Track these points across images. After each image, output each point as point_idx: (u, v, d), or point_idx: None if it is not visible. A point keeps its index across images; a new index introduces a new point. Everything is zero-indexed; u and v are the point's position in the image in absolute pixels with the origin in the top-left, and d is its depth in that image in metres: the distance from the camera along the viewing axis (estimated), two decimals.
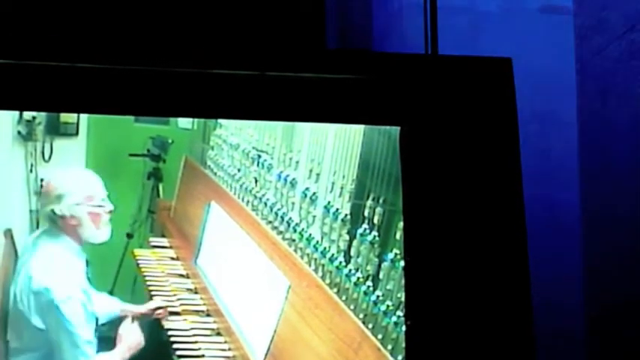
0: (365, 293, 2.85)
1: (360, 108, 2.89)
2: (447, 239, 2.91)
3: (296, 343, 2.91)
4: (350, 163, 2.97)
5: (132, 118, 3.14)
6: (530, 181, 3.02)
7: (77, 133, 3.29)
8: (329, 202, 3.02)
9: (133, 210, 3.50)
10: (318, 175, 3.09)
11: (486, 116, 2.95)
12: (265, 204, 3.27)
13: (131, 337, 2.89)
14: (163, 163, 3.57)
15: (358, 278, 2.87)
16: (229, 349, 3.10)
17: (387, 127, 2.95)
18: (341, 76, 2.84)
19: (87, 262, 2.90)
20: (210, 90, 2.73)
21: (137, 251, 3.47)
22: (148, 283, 3.35)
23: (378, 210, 2.85)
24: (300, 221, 3.11)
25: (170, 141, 3.52)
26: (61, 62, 2.58)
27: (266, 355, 2.95)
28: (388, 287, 2.83)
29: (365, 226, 2.89)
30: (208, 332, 3.15)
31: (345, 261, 2.93)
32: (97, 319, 2.83)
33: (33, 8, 2.76)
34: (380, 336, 2.79)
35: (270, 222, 3.22)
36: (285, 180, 3.20)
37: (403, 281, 2.87)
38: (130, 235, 3.44)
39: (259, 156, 3.32)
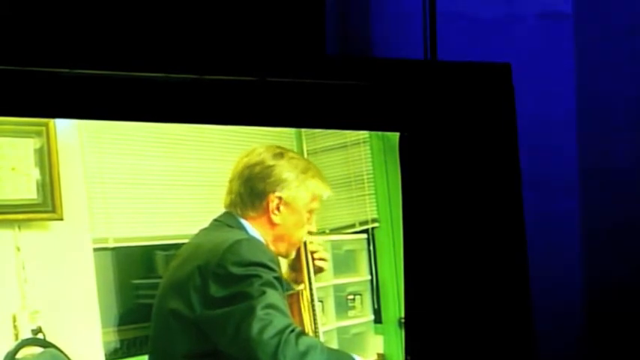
0: None
1: (360, 114, 2.89)
2: (446, 245, 2.91)
3: None
4: None
5: None
6: (529, 186, 3.02)
7: None
8: None
9: None
10: None
11: (486, 122, 2.95)
12: None
13: None
14: None
15: None
16: None
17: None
18: (340, 82, 2.84)
19: None
20: (209, 96, 2.72)
21: None
22: None
23: None
24: None
25: None
26: (59, 68, 2.58)
27: None
28: None
29: None
30: None
31: None
32: None
33: (30, 14, 2.75)
34: None
35: None
36: None
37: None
38: None
39: None
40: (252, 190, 2.65)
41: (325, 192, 2.73)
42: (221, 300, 2.42)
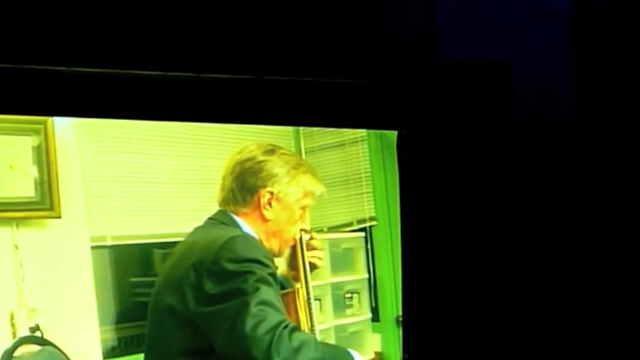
0: None
1: (358, 112, 2.89)
2: (444, 243, 2.92)
3: None
4: None
5: None
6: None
7: None
8: None
9: None
10: None
11: (484, 120, 2.95)
12: None
13: None
14: None
15: None
16: None
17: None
18: (338, 80, 2.84)
19: None
20: (207, 94, 2.73)
21: None
22: None
23: None
24: None
25: None
26: (57, 66, 2.58)
27: None
28: None
29: None
30: None
31: None
32: None
33: (28, 12, 2.75)
34: None
35: None
36: None
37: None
38: None
39: None
40: (244, 185, 2.65)
41: (318, 189, 2.72)
42: (216, 296, 2.42)
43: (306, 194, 2.66)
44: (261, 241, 2.59)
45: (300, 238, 2.73)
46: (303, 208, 2.68)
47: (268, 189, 2.62)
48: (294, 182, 2.64)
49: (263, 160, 2.64)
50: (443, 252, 2.90)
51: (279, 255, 2.67)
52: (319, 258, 2.81)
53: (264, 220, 2.63)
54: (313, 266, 2.79)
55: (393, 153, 3.02)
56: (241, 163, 2.65)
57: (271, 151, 2.66)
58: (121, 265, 3.37)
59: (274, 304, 2.39)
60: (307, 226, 2.72)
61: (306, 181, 2.66)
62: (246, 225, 2.62)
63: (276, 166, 2.63)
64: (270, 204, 2.62)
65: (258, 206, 2.62)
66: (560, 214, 3.29)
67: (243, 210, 2.63)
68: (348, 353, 2.54)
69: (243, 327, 2.35)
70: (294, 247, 2.74)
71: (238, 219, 2.63)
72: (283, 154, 2.67)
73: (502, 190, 2.94)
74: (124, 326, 3.30)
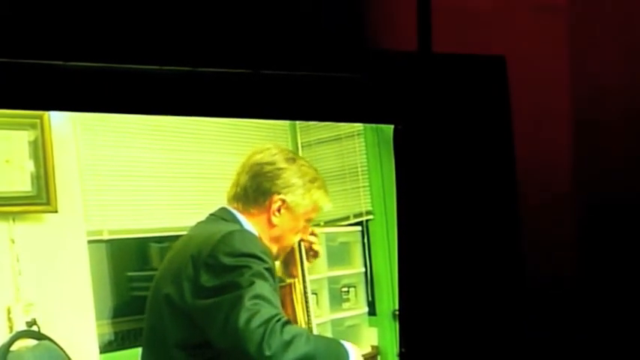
0: None
1: (354, 106, 2.89)
2: (440, 237, 2.92)
3: None
4: None
5: None
6: (523, 180, 3.03)
7: None
8: None
9: None
10: None
11: (480, 114, 2.95)
12: None
13: None
14: None
15: None
16: None
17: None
18: (335, 74, 2.84)
19: None
20: (204, 88, 2.72)
21: None
22: None
23: None
24: None
25: None
26: (54, 61, 2.57)
27: None
28: None
29: None
30: None
31: None
32: None
33: (24, 6, 2.75)
34: None
35: None
36: None
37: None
38: None
39: None
40: (259, 187, 2.68)
41: (327, 205, 2.78)
42: (211, 290, 2.44)
43: (314, 208, 2.71)
44: (261, 239, 2.61)
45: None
46: (309, 220, 2.72)
47: (281, 197, 2.65)
48: (308, 195, 2.68)
49: (283, 167, 2.68)
50: (439, 246, 2.90)
51: (276, 258, 2.70)
52: (316, 235, 2.85)
53: (271, 225, 2.66)
54: (314, 254, 2.83)
55: (389, 147, 3.02)
56: (261, 165, 2.68)
57: (292, 159, 2.70)
58: (117, 260, 3.37)
59: (269, 298, 2.40)
60: (306, 236, 2.77)
61: (319, 196, 2.71)
62: (249, 224, 2.65)
63: (294, 176, 2.68)
64: (279, 211, 2.66)
65: (268, 210, 2.66)
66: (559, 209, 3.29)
67: (252, 210, 2.66)
68: (341, 345, 2.55)
69: (236, 320, 2.36)
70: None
71: (242, 217, 2.65)
72: (302, 165, 2.72)
73: (499, 184, 2.95)
74: (120, 320, 3.30)
